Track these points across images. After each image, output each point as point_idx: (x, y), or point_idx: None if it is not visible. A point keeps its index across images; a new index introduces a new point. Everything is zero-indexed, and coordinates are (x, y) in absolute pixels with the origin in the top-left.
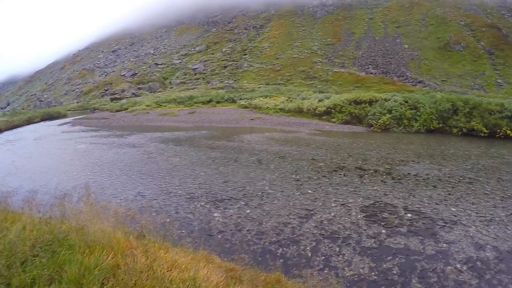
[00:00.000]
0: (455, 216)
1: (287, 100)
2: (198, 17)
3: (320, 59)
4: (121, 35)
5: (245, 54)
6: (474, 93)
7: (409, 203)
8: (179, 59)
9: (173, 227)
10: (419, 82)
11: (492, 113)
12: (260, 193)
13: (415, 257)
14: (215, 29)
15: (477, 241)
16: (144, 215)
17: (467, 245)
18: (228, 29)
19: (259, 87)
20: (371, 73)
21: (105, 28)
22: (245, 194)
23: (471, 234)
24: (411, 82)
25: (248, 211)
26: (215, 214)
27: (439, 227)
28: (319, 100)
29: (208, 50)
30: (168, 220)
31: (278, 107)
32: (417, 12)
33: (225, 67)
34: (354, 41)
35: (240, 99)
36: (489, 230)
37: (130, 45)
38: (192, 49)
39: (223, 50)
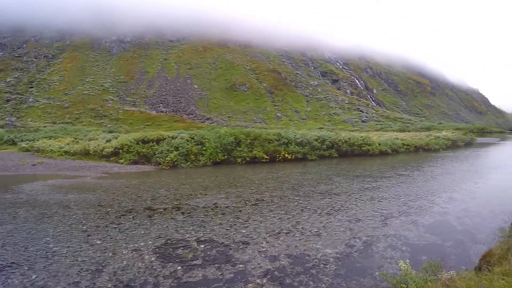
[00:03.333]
0: (246, 237)
1: (73, 141)
2: None
3: (111, 96)
4: None
5: (31, 87)
6: (257, 126)
7: (201, 234)
8: None
9: None
10: (207, 119)
11: (271, 141)
12: (44, 253)
13: (215, 285)
14: (2, 53)
15: (271, 254)
16: None
17: (262, 260)
18: (17, 55)
19: (45, 126)
20: (162, 112)
21: None
22: (28, 257)
23: (264, 249)
24: (200, 119)
25: (34, 276)
26: None
27: (232, 250)
28: (107, 141)
29: None
30: None
31: (63, 149)
32: (209, 56)
33: (8, 100)
34: (147, 80)
35: (22, 140)
36: (280, 241)
37: None
38: None
39: (8, 80)
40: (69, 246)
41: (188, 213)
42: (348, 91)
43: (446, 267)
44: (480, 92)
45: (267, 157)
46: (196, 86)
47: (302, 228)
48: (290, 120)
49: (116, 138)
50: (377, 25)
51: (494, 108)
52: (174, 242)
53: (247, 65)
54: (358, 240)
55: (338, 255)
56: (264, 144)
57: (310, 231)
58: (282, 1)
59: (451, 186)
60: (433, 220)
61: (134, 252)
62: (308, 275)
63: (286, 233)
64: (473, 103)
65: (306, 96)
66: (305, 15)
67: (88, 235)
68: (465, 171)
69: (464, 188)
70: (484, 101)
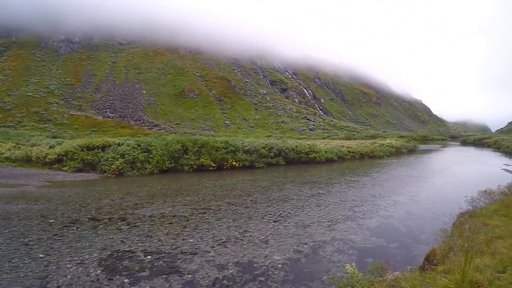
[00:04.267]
0: (193, 246)
1: (14, 147)
2: None
3: (56, 99)
4: None
5: None
6: (205, 133)
7: (147, 245)
8: None
9: None
10: (155, 125)
11: (219, 149)
12: None
13: None
14: None
15: (219, 263)
16: None
17: (210, 269)
18: None
19: None
20: (109, 117)
21: None
22: None
23: (211, 258)
24: (148, 125)
25: None
26: None
27: (180, 261)
28: (50, 147)
29: None
30: None
31: (4, 155)
32: (159, 61)
33: None
34: (94, 83)
35: None
36: (227, 249)
37: None
38: None
39: None
40: (10, 261)
41: (134, 223)
42: (296, 100)
43: (392, 268)
44: (423, 102)
45: (214, 165)
46: (144, 92)
47: (250, 235)
48: (238, 128)
49: (60, 144)
50: (325, 37)
51: (435, 117)
52: (121, 254)
53: (196, 72)
54: (305, 245)
55: (286, 261)
56: (211, 151)
57: (258, 238)
58: (233, 9)
59: (395, 191)
60: (378, 223)
61: (79, 266)
62: (256, 282)
63: (233, 241)
64: (416, 112)
65: (255, 104)
66: (256, 24)
67: (30, 249)
68: (408, 176)
69: (408, 192)
70: (427, 111)
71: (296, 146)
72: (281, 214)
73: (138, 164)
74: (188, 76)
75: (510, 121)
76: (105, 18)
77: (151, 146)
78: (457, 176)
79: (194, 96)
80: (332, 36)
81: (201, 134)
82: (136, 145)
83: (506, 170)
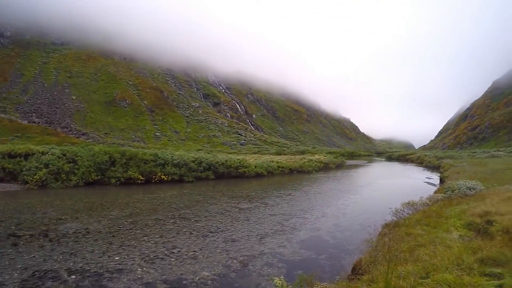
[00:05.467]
0: (120, 264)
1: None
2: None
3: None
4: None
5: None
6: (135, 144)
7: (71, 263)
8: None
9: None
10: (83, 134)
11: (147, 162)
12: None
13: None
14: None
15: (146, 281)
16: None
17: (136, 286)
18: None
19: None
20: (34, 122)
21: None
22: None
23: (139, 276)
24: (75, 134)
25: None
26: None
27: (106, 280)
28: None
29: None
30: None
31: None
32: (92, 65)
33: None
34: (22, 83)
35: None
36: (155, 266)
37: None
38: None
39: None
40: None
41: (58, 239)
42: (228, 114)
43: (321, 279)
44: (351, 121)
45: (142, 178)
46: (74, 97)
47: (178, 251)
48: (169, 140)
49: None
50: (259, 54)
51: (363, 135)
52: (43, 273)
53: (130, 80)
54: (235, 260)
55: (215, 277)
56: (140, 164)
57: (186, 254)
58: (169, 19)
59: (323, 204)
60: (307, 236)
61: None
62: None
63: (161, 257)
64: (344, 130)
65: (187, 117)
66: (192, 36)
67: None
68: (336, 190)
69: (335, 205)
70: (354, 128)
71: (226, 161)
72: (209, 229)
73: (63, 175)
74: (121, 84)
75: (432, 139)
76: (40, 14)
77: (77, 156)
78: (382, 189)
79: (126, 106)
80: (265, 53)
81: (130, 146)
82: (62, 155)
83: (428, 183)
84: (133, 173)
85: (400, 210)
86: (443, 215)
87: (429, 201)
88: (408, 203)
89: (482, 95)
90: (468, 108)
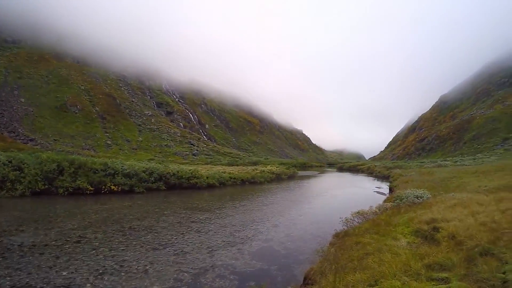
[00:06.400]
0: (68, 279)
1: None
2: None
3: None
4: None
5: None
6: (85, 152)
7: (16, 280)
8: None
9: None
10: (31, 140)
11: (97, 171)
12: None
13: None
14: None
15: None
16: None
17: None
18: None
19: None
20: None
21: None
22: None
23: None
24: (23, 139)
25: None
26: None
27: None
28: None
29: None
30: None
31: None
32: (43, 67)
33: None
34: None
35: None
36: (104, 281)
37: None
38: None
39: None
40: None
41: (1, 254)
42: (181, 124)
43: None
44: (304, 133)
45: (92, 189)
46: (23, 100)
47: (128, 265)
48: (120, 149)
49: None
50: (214, 64)
51: (315, 146)
52: None
53: (82, 85)
54: (186, 273)
55: None
56: (89, 173)
57: (136, 268)
58: (125, 23)
59: (274, 215)
60: (259, 247)
61: None
62: None
63: (111, 272)
64: (297, 141)
65: (139, 125)
66: (147, 43)
67: None
68: (287, 200)
69: (287, 216)
70: (307, 140)
71: (178, 171)
72: (160, 241)
73: (8, 184)
74: (73, 88)
75: (381, 150)
76: None
77: (23, 164)
78: (333, 199)
79: (77, 111)
80: (219, 63)
81: (80, 154)
82: (7, 161)
83: (378, 192)
84: (82, 183)
85: (350, 219)
86: (391, 223)
87: (379, 210)
88: (358, 212)
89: (430, 109)
90: (416, 121)
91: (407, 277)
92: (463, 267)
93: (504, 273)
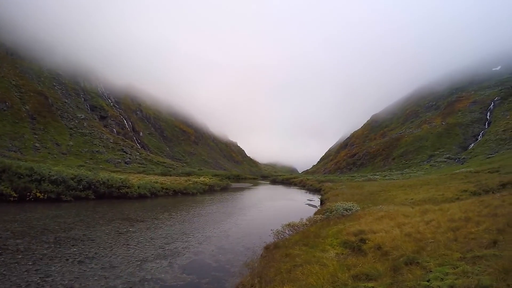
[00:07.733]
0: None
1: None
2: None
3: None
4: None
5: None
6: (10, 155)
7: None
8: None
9: None
10: None
11: (22, 176)
12: None
13: None
14: None
15: None
16: None
17: None
18: None
19: None
20: None
21: None
22: None
23: None
24: None
25: None
26: None
27: None
28: None
29: None
30: None
31: None
32: None
33: None
34: None
35: None
36: None
37: None
38: None
39: None
40: None
41: None
42: (115, 130)
43: None
44: (238, 145)
45: (15, 195)
46: None
47: (52, 280)
48: (49, 153)
49: None
50: (151, 69)
51: (249, 158)
52: None
53: (13, 80)
54: None
55: None
56: (13, 178)
57: (61, 283)
58: (63, 15)
59: (206, 227)
60: (190, 260)
61: None
62: None
63: (33, 286)
64: (231, 153)
65: (71, 128)
66: (86, 41)
67: None
68: (219, 212)
69: (218, 228)
70: (241, 152)
71: (108, 180)
72: (87, 254)
73: None
74: (3, 82)
75: (314, 164)
76: None
77: None
78: (265, 211)
79: (5, 109)
80: (158, 71)
81: (5, 156)
82: None
83: (309, 205)
84: (5, 188)
85: (281, 231)
86: (321, 235)
87: (309, 222)
88: (289, 224)
89: (362, 127)
90: (348, 138)
91: None
92: (389, 276)
93: (428, 281)
